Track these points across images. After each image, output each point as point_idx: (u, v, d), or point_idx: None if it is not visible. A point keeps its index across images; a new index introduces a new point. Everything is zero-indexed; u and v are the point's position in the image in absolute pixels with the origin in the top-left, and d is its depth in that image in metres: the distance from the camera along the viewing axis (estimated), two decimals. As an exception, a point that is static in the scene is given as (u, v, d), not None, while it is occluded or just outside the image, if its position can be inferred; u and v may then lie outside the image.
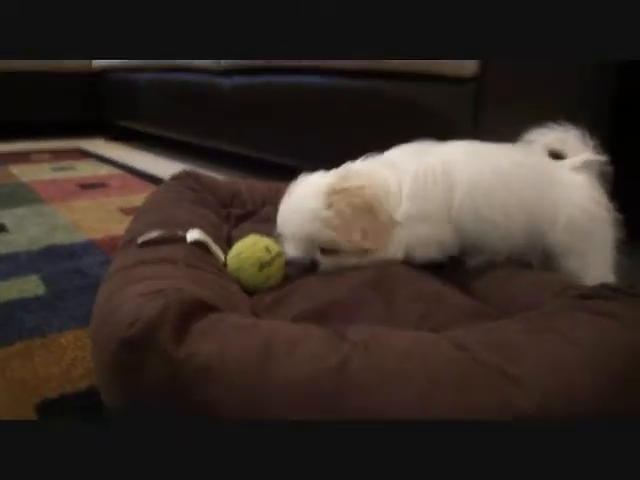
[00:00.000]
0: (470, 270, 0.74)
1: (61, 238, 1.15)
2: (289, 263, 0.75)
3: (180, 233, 0.77)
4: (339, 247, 0.71)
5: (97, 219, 1.29)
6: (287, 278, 0.78)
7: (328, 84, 1.37)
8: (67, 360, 0.68)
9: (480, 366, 0.44)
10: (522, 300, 0.64)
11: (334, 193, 0.70)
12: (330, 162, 0.79)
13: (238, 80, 1.72)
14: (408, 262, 0.73)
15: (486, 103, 1.01)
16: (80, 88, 2.93)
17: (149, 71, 2.36)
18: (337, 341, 0.45)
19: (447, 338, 0.48)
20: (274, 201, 1.16)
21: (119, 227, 1.22)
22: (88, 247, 1.10)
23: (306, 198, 0.73)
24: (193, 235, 0.77)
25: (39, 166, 2.04)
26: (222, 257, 0.78)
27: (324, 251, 0.72)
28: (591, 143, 0.76)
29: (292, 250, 0.74)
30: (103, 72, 2.85)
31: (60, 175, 1.87)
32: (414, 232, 0.72)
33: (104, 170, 1.97)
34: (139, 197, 1.52)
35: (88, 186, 1.69)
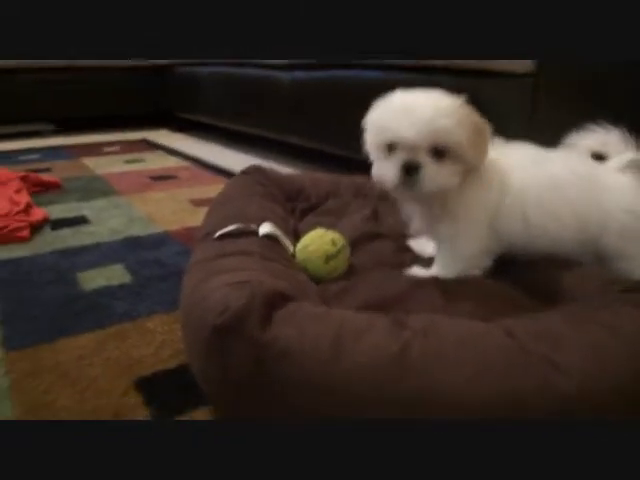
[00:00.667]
0: (519, 263, 0.79)
1: (138, 230, 1.26)
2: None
3: (253, 227, 0.85)
4: (458, 152, 0.70)
5: (170, 211, 1.40)
6: (351, 269, 0.85)
7: (388, 78, 1.42)
8: (156, 342, 0.77)
9: (526, 353, 0.49)
10: (568, 293, 0.69)
11: (461, 107, 0.72)
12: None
13: (298, 75, 1.80)
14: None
15: (541, 98, 1.04)
16: (145, 82, 3.09)
17: (212, 65, 2.47)
18: (398, 329, 0.52)
19: (498, 327, 0.54)
20: (337, 194, 1.24)
21: (191, 218, 1.32)
22: (164, 238, 1.20)
23: (436, 101, 0.72)
24: (265, 229, 0.85)
25: (110, 158, 2.18)
26: (291, 249, 0.85)
27: (438, 155, 0.70)
28: (633, 142, 0.78)
29: (407, 137, 0.69)
30: (167, 66, 2.98)
31: (131, 167, 2.00)
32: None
33: (172, 162, 2.09)
34: (208, 189, 1.63)
35: (158, 178, 1.80)
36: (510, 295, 0.70)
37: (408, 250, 0.94)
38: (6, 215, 1.24)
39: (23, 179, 1.58)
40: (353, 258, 0.87)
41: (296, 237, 0.93)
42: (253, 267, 0.69)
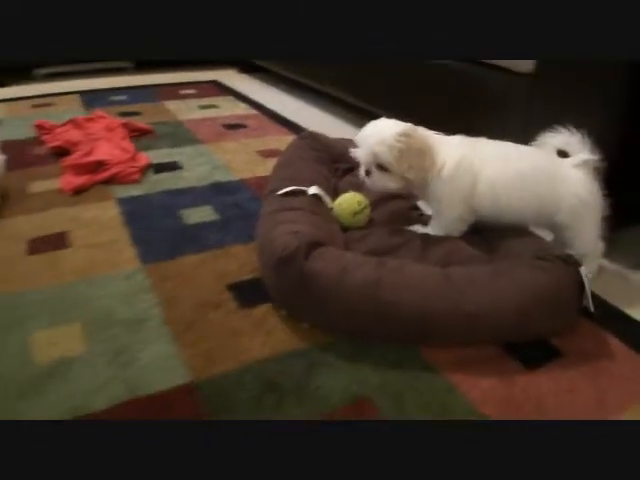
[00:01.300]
0: (487, 229, 1.17)
1: (220, 177, 1.69)
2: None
3: (304, 188, 1.26)
4: (391, 169, 1.11)
5: (242, 161, 1.82)
6: (371, 221, 1.26)
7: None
8: (239, 262, 1.21)
9: (450, 287, 0.90)
10: (505, 252, 1.08)
11: (402, 135, 1.10)
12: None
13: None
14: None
15: (536, 96, 1.38)
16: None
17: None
18: (380, 267, 0.94)
19: (442, 271, 0.95)
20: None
21: (260, 169, 1.73)
22: (240, 185, 1.63)
23: (383, 130, 1.12)
24: (312, 190, 1.25)
25: (187, 103, 2.59)
26: (330, 205, 1.26)
27: (380, 168, 1.13)
28: (588, 144, 1.10)
29: (361, 156, 1.16)
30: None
31: (206, 114, 2.41)
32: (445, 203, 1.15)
33: (241, 109, 2.49)
34: (273, 139, 2.03)
35: (230, 127, 2.21)
36: (468, 251, 1.10)
37: (417, 208, 1.33)
38: (121, 162, 1.68)
39: (124, 126, 2.02)
40: (374, 213, 1.29)
41: (335, 193, 1.34)
42: (302, 220, 1.11)
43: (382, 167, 1.12)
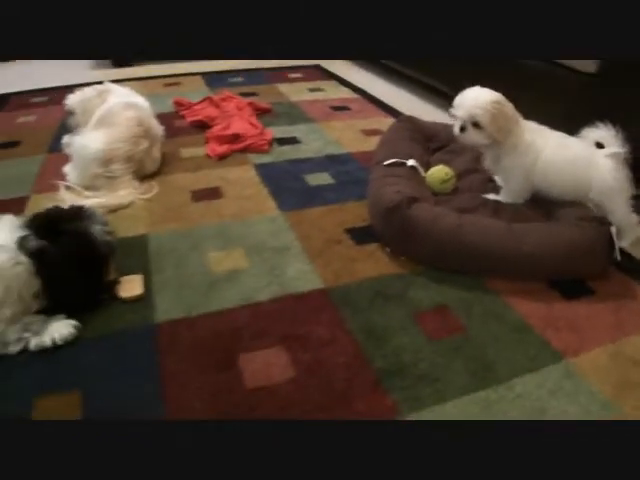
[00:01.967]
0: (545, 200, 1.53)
1: (332, 150, 2.11)
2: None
3: (404, 160, 1.65)
4: (484, 128, 1.44)
5: (349, 138, 2.23)
6: (456, 189, 1.64)
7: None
8: (353, 214, 1.64)
9: (509, 235, 1.29)
10: (555, 215, 1.44)
11: (496, 102, 1.43)
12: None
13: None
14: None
15: (599, 94, 1.70)
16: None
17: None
18: (459, 217, 1.34)
19: (506, 225, 1.33)
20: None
21: (364, 145, 2.15)
22: (349, 158, 2.04)
23: (481, 95, 1.45)
24: (410, 162, 1.65)
25: (296, 86, 3.03)
26: (423, 175, 1.65)
27: (475, 126, 1.45)
28: (620, 139, 1.41)
29: (459, 115, 1.48)
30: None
31: (315, 96, 2.84)
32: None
33: (344, 93, 2.90)
34: (373, 121, 2.44)
35: (336, 108, 2.63)
36: (528, 213, 1.47)
37: (492, 181, 1.70)
38: (253, 135, 2.13)
39: (250, 105, 2.47)
40: (458, 183, 1.67)
41: (427, 166, 1.73)
42: (403, 183, 1.51)
43: (477, 125, 1.45)
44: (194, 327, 1.20)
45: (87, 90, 2.02)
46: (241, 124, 2.19)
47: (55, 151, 2.12)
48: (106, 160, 1.75)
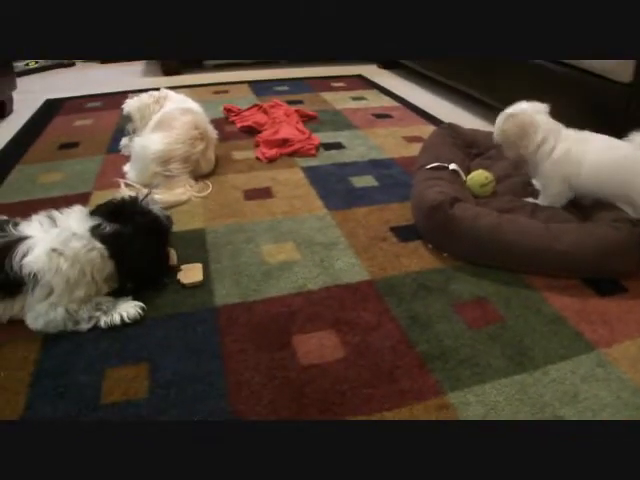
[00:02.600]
0: (580, 204, 1.60)
1: (375, 155, 2.21)
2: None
3: (446, 164, 1.74)
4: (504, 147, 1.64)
5: (392, 144, 2.33)
6: (495, 193, 1.73)
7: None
8: (397, 214, 1.73)
9: (547, 234, 1.37)
10: (591, 217, 1.51)
11: (509, 116, 1.60)
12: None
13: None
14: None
15: (634, 103, 1.78)
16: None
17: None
18: (499, 217, 1.42)
19: (544, 226, 1.41)
20: (497, 147, 2.09)
21: (406, 150, 2.24)
22: (391, 162, 2.14)
23: (502, 115, 1.63)
24: (452, 166, 1.74)
25: (340, 95, 3.14)
26: (464, 178, 1.74)
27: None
28: None
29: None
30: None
31: (358, 104, 2.95)
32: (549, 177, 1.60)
33: (385, 102, 3.00)
34: (414, 128, 2.53)
35: (379, 116, 2.73)
36: (565, 215, 1.55)
37: (531, 184, 1.77)
38: (301, 140, 2.24)
39: (297, 112, 2.59)
40: (497, 187, 1.75)
41: (468, 171, 1.81)
42: (444, 185, 1.60)
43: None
44: (251, 311, 1.31)
45: (144, 96, 2.17)
46: (289, 129, 2.30)
47: (113, 152, 2.27)
48: (165, 160, 1.88)
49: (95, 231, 1.28)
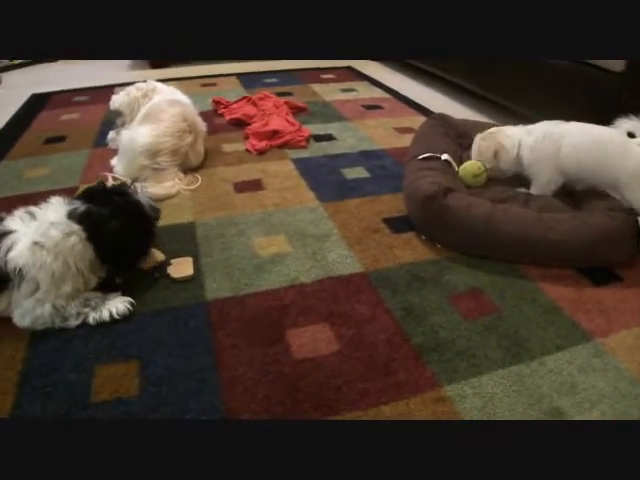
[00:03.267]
0: (573, 192, 1.59)
1: (366, 146, 2.18)
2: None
3: (438, 155, 1.72)
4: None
5: (382, 135, 2.30)
6: (488, 183, 1.71)
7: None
8: (389, 205, 1.71)
9: (540, 224, 1.35)
10: (583, 206, 1.50)
11: (481, 138, 1.65)
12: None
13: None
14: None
15: (625, 92, 1.76)
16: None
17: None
18: (493, 207, 1.40)
19: (536, 215, 1.39)
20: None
21: (397, 141, 2.22)
22: (382, 153, 2.12)
23: (477, 139, 1.69)
24: (444, 157, 1.71)
25: (330, 86, 3.11)
26: (456, 169, 1.72)
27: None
28: None
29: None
30: None
31: (348, 96, 2.92)
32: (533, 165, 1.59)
33: (376, 93, 2.98)
34: (406, 119, 2.51)
35: (369, 107, 2.70)
36: (557, 204, 1.53)
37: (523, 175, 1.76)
38: (291, 132, 2.21)
39: (286, 104, 2.55)
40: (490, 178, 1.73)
41: (460, 161, 1.79)
42: (437, 176, 1.57)
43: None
44: (243, 305, 1.28)
45: (131, 90, 2.12)
46: (279, 121, 2.27)
47: (100, 146, 2.23)
48: (153, 153, 1.84)
49: (72, 214, 1.24)
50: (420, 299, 1.30)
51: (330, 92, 2.98)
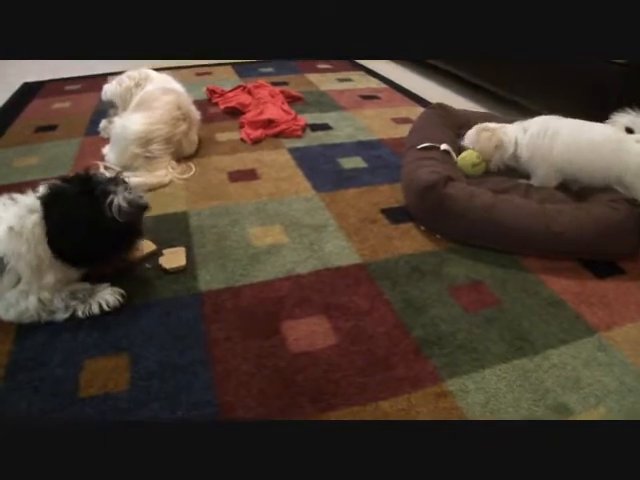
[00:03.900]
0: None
1: (363, 136, 2.14)
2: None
3: (437, 145, 1.68)
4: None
5: (379, 125, 2.26)
6: (486, 172, 1.66)
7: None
8: (387, 196, 1.67)
9: (543, 215, 1.31)
10: (586, 197, 1.46)
11: (479, 131, 1.60)
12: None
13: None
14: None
15: (629, 86, 1.72)
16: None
17: None
18: (494, 196, 1.36)
19: (538, 206, 1.35)
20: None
21: (395, 132, 2.17)
22: (380, 143, 2.07)
23: (476, 129, 1.64)
24: (443, 146, 1.67)
25: (326, 76, 3.06)
26: (455, 158, 1.68)
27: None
28: None
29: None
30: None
31: (344, 86, 2.86)
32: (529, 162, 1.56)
33: (373, 83, 2.92)
34: (403, 109, 2.46)
35: (366, 97, 2.65)
36: (560, 196, 1.49)
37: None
38: (287, 121, 2.16)
39: (282, 93, 2.50)
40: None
41: (459, 151, 1.75)
42: (436, 165, 1.53)
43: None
44: (237, 296, 1.24)
45: (124, 79, 2.06)
46: (274, 110, 2.22)
47: (91, 134, 2.17)
48: (146, 141, 1.79)
49: (42, 198, 1.17)
50: (420, 291, 1.26)
51: (326, 82, 2.93)
